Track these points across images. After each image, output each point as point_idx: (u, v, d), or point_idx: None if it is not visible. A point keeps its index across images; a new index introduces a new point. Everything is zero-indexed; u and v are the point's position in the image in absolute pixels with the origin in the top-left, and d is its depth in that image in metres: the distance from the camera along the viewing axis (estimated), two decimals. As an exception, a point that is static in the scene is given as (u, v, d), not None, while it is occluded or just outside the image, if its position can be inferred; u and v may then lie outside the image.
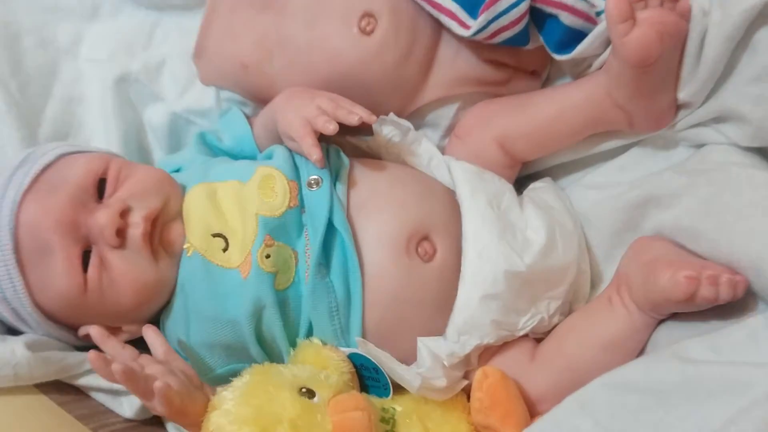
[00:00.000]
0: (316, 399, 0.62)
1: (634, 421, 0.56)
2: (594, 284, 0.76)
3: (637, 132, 0.72)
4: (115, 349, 0.63)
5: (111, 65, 0.88)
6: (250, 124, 0.80)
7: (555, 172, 0.80)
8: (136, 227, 0.66)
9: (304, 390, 0.62)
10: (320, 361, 0.67)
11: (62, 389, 0.69)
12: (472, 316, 0.67)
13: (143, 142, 0.90)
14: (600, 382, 0.60)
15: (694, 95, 0.67)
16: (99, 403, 0.70)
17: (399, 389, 0.69)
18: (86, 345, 0.71)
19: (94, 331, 0.64)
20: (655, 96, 0.68)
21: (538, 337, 0.72)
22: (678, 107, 0.70)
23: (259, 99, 0.82)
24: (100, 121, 0.87)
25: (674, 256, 0.64)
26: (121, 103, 0.88)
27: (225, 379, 0.68)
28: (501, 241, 0.68)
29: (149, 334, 0.66)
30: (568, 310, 0.73)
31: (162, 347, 0.66)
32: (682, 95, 0.68)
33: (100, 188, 0.68)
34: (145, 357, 0.64)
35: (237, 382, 0.63)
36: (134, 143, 0.88)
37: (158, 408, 0.60)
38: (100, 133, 0.87)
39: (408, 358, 0.69)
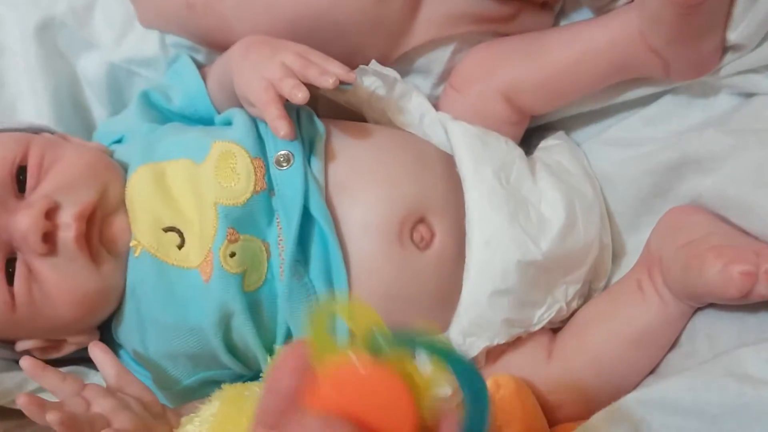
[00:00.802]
0: None
1: None
2: (616, 256, 0.66)
3: (674, 80, 0.60)
4: (53, 383, 0.53)
5: (31, 8, 0.73)
6: (204, 76, 0.66)
7: (569, 125, 0.69)
8: (67, 229, 0.54)
9: None
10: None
11: (4, 414, 0.59)
12: (480, 315, 0.57)
13: (79, 99, 0.76)
14: (635, 397, 0.50)
15: (748, 37, 0.55)
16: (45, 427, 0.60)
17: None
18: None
19: (26, 364, 0.53)
20: (700, 39, 0.55)
21: (554, 327, 0.62)
22: (725, 49, 0.57)
23: (212, 44, 0.69)
24: (24, 76, 0.73)
25: (722, 240, 0.54)
26: (48, 53, 0.73)
27: (194, 390, 0.59)
28: (512, 224, 0.57)
29: (96, 353, 0.56)
30: (587, 290, 0.63)
31: (113, 369, 0.55)
32: (733, 36, 0.56)
33: (20, 179, 0.56)
34: (91, 388, 0.53)
35: (205, 412, 0.53)
36: (68, 101, 0.75)
37: None
38: (26, 92, 0.73)
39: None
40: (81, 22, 0.73)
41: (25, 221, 0.52)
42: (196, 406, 0.56)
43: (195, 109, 0.66)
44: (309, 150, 0.59)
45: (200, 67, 0.69)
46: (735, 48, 0.56)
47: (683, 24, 0.53)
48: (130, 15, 0.72)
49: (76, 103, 0.76)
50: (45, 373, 0.53)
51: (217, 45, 0.68)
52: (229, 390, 0.56)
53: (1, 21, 0.73)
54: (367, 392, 0.35)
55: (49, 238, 0.53)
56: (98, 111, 0.76)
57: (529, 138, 0.69)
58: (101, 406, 0.51)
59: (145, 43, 0.72)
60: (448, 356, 0.36)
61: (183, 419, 0.54)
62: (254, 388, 0.56)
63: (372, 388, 0.35)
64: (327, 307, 0.37)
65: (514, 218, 0.57)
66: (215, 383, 0.57)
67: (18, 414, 0.59)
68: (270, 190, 0.58)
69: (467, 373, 0.35)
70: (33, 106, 0.72)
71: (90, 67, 0.74)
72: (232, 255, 0.56)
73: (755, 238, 0.54)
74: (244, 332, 0.57)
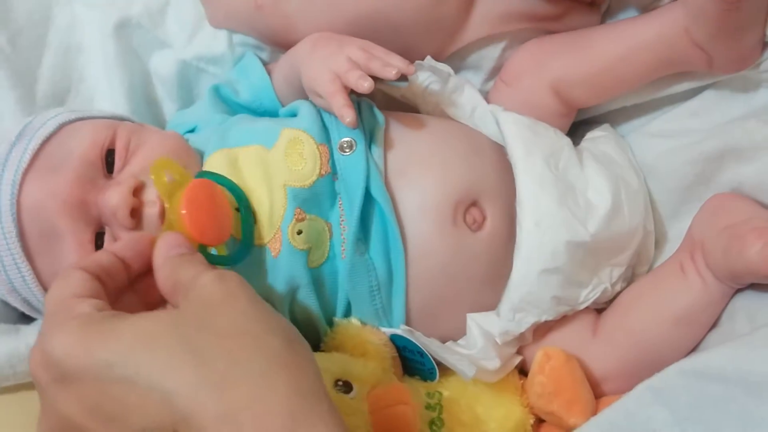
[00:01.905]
0: (353, 393, 0.57)
1: (717, 413, 0.50)
2: (658, 244, 0.69)
3: (716, 73, 0.63)
4: None
5: (109, 9, 0.78)
6: (269, 72, 0.71)
7: (614, 118, 0.72)
8: (152, 206, 0.59)
9: (340, 383, 0.57)
10: (359, 344, 0.61)
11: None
12: (530, 292, 0.61)
13: (151, 94, 0.81)
14: (678, 368, 0.53)
15: (789, 31, 0.58)
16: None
17: (444, 368, 0.63)
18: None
19: None
20: (742, 34, 0.58)
21: (598, 308, 0.66)
22: (765, 44, 0.60)
23: (277, 42, 0.74)
24: (103, 72, 0.79)
25: (762, 222, 0.56)
26: (124, 51, 0.78)
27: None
28: (561, 207, 0.61)
29: None
30: (631, 274, 0.67)
31: None
32: (775, 30, 0.58)
33: (108, 161, 0.61)
34: None
35: None
36: (141, 96, 0.80)
37: None
38: (104, 87, 0.78)
39: (455, 335, 0.63)
40: (155, 23, 0.78)
41: (114, 198, 0.58)
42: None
43: (261, 103, 0.71)
44: (369, 138, 0.64)
45: (265, 64, 0.74)
46: (776, 42, 0.59)
47: (725, 19, 0.56)
48: (200, 16, 0.77)
49: (148, 98, 0.81)
50: None
51: (281, 43, 0.72)
52: None
53: (81, 20, 0.79)
54: (199, 201, 0.55)
55: (135, 214, 0.58)
56: (168, 106, 0.81)
57: (576, 131, 0.73)
58: None
59: (214, 41, 0.77)
60: (218, 179, 0.59)
61: None
62: None
63: (201, 199, 0.56)
64: (156, 165, 0.56)
65: (563, 201, 0.61)
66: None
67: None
68: (334, 174, 0.62)
69: (236, 189, 0.60)
70: (109, 100, 0.77)
71: (162, 65, 0.79)
72: (299, 233, 0.60)
73: (795, 222, 0.57)
74: (308, 304, 0.61)
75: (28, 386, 0.60)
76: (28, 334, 0.61)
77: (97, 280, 0.48)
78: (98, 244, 0.59)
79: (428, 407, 0.60)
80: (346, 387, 0.57)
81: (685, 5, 0.59)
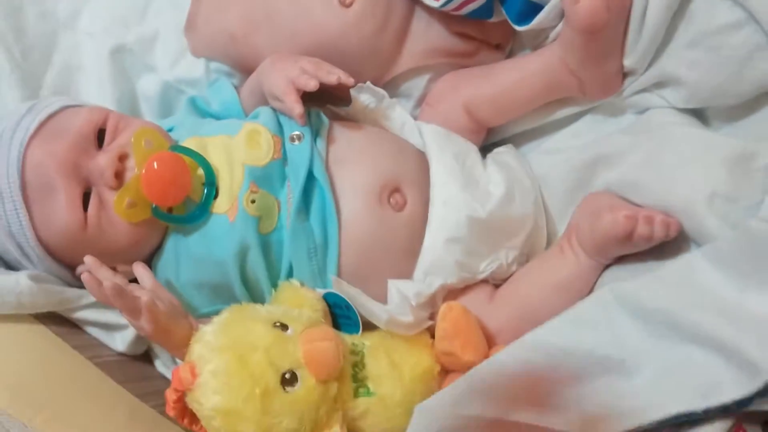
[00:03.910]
0: (289, 332, 0.68)
1: None
2: (550, 240, 0.83)
3: (589, 98, 0.80)
4: (106, 275, 0.69)
5: (107, 37, 0.94)
6: (237, 92, 0.87)
7: (516, 140, 0.88)
8: (132, 171, 0.72)
9: (278, 324, 0.68)
10: (297, 301, 0.73)
11: (59, 321, 0.75)
12: (438, 257, 0.74)
13: (136, 109, 0.96)
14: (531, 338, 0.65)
15: (638, 62, 0.75)
16: (93, 336, 0.76)
17: (369, 327, 0.75)
18: (82, 285, 0.77)
19: (89, 259, 0.70)
20: (603, 62, 0.75)
21: (496, 283, 0.79)
22: (624, 75, 0.77)
23: (246, 69, 0.89)
24: (96, 88, 0.93)
25: (616, 202, 0.72)
26: (116, 72, 0.94)
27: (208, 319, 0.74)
28: (464, 190, 0.76)
29: (138, 269, 0.72)
30: (525, 261, 0.81)
31: (150, 280, 0.72)
32: (628, 62, 0.75)
33: (100, 138, 0.75)
34: (134, 284, 0.70)
35: (216, 318, 0.69)
36: (127, 110, 0.94)
37: (145, 326, 0.66)
38: (96, 100, 0.92)
39: (379, 299, 0.75)
40: (145, 50, 0.94)
41: (103, 160, 0.71)
42: (210, 319, 0.71)
43: (228, 114, 0.85)
44: (316, 134, 0.78)
45: (235, 88, 0.89)
46: (631, 72, 0.76)
47: (589, 48, 0.73)
48: (183, 47, 0.92)
49: (133, 112, 0.94)
50: (101, 267, 0.70)
51: (249, 70, 0.87)
52: (235, 305, 0.72)
53: (82, 45, 0.95)
54: (167, 166, 0.70)
55: (119, 176, 0.71)
56: (149, 119, 0.95)
57: (486, 151, 0.89)
58: (140, 292, 0.67)
59: (193, 67, 0.92)
60: (189, 152, 0.73)
61: (200, 325, 0.70)
62: (256, 306, 0.72)
63: (168, 164, 0.70)
64: (139, 131, 0.71)
65: (465, 187, 0.76)
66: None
67: (70, 323, 0.75)
68: (284, 160, 0.76)
69: (202, 159, 0.73)
70: (100, 109, 0.92)
71: (147, 85, 0.94)
72: (253, 201, 0.74)
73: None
74: (257, 266, 0.74)
75: (14, 318, 0.71)
76: (18, 274, 0.72)
77: None
78: (85, 201, 0.72)
79: (353, 353, 0.72)
80: (283, 327, 0.69)
81: (561, 39, 0.77)
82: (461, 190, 0.76)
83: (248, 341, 0.66)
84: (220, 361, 0.64)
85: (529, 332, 0.64)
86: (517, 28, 0.79)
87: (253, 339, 0.66)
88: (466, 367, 0.69)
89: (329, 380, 0.67)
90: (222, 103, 0.86)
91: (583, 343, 0.62)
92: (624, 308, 0.62)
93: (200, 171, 0.74)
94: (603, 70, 0.76)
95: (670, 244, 0.70)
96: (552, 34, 0.79)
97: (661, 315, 0.61)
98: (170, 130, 0.84)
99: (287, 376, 0.65)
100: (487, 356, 0.71)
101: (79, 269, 0.75)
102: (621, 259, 0.74)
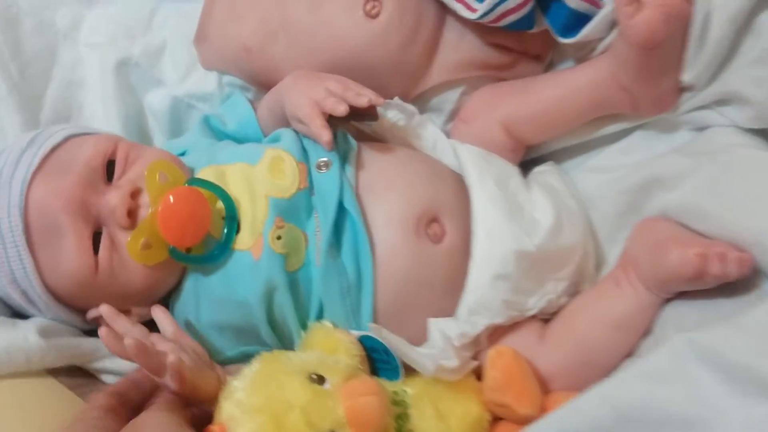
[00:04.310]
0: (326, 385, 0.62)
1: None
2: (597, 267, 0.77)
3: (641, 115, 0.73)
4: (126, 326, 0.63)
5: (110, 49, 0.88)
6: (254, 108, 0.80)
7: (558, 157, 0.81)
8: (147, 208, 0.66)
9: (314, 376, 0.62)
10: (331, 344, 0.67)
11: (72, 373, 0.68)
12: (483, 295, 0.68)
13: (144, 127, 0.89)
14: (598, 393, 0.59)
15: (698, 77, 0.68)
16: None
17: (409, 371, 0.69)
18: (94, 328, 0.71)
19: (105, 309, 0.64)
20: (659, 78, 0.69)
21: (545, 318, 0.73)
22: (681, 90, 0.71)
23: (262, 83, 0.82)
24: (101, 105, 0.87)
25: (682, 235, 0.65)
26: (122, 87, 0.87)
27: (234, 363, 0.68)
28: (510, 220, 0.69)
29: (158, 313, 0.66)
30: (574, 291, 0.74)
31: (171, 326, 0.65)
32: (686, 77, 0.69)
33: (109, 170, 0.68)
34: (155, 335, 0.64)
35: (246, 371, 0.63)
36: (135, 128, 0.88)
37: (170, 384, 0.59)
38: (101, 118, 0.87)
39: (418, 339, 0.69)
40: (152, 63, 0.88)
41: (114, 199, 0.64)
42: (238, 368, 0.65)
43: (245, 133, 0.79)
44: (343, 159, 0.72)
45: (250, 102, 0.83)
46: (689, 88, 0.70)
47: (645, 64, 0.67)
48: (193, 58, 0.86)
49: (141, 130, 0.89)
50: (119, 317, 0.63)
51: (266, 84, 0.81)
52: (266, 354, 0.65)
53: (84, 59, 0.88)
54: (185, 202, 0.65)
55: (131, 215, 0.65)
56: (159, 138, 0.90)
57: (524, 169, 0.82)
58: (164, 346, 0.61)
59: (205, 81, 0.86)
60: (209, 185, 0.68)
61: (228, 377, 0.63)
62: (287, 354, 0.66)
63: (186, 200, 0.65)
64: (153, 164, 0.66)
65: (511, 216, 0.70)
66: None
67: (84, 373, 0.69)
68: (311, 189, 0.70)
69: (222, 193, 0.68)
70: (106, 130, 0.85)
71: (156, 101, 0.88)
72: (279, 238, 0.67)
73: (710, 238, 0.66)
74: (284, 307, 0.68)
75: (22, 375, 0.65)
76: (26, 327, 0.66)
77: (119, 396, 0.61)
78: (95, 242, 0.65)
79: (395, 403, 0.65)
80: (320, 380, 0.62)
81: (613, 53, 0.70)
82: (506, 219, 0.69)
83: (283, 399, 0.60)
84: (254, 424, 0.58)
85: (594, 385, 0.58)
86: (562, 40, 0.72)
87: (288, 396, 0.60)
88: (521, 420, 0.63)
89: (375, 441, 0.61)
90: (238, 122, 0.80)
91: (657, 400, 0.56)
92: (703, 361, 0.56)
93: (219, 204, 0.67)
94: (659, 86, 0.70)
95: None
96: (600, 46, 0.72)
97: (744, 370, 0.54)
98: (183, 154, 0.78)
99: (328, 438, 0.59)
100: (543, 407, 0.65)
101: (91, 314, 0.69)
102: (684, 293, 0.68)
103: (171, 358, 0.58)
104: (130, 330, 0.63)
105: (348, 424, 0.59)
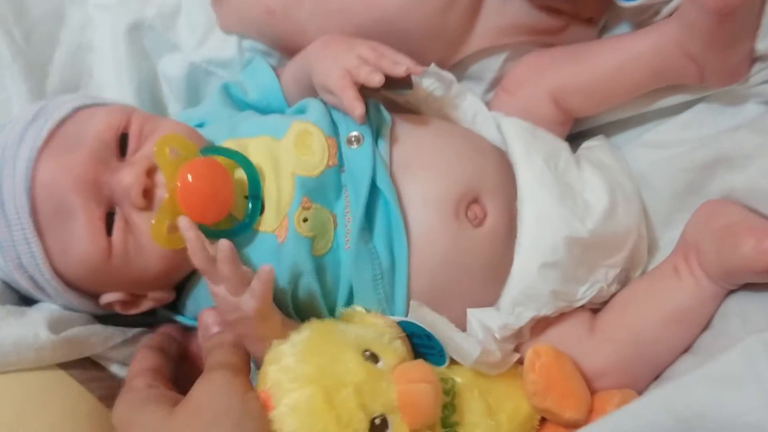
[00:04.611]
0: (380, 364, 0.57)
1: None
2: (650, 251, 0.71)
3: (707, 86, 0.66)
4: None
5: (122, 11, 0.81)
6: (277, 75, 0.74)
7: (608, 130, 0.75)
8: (164, 187, 0.60)
9: (368, 353, 0.57)
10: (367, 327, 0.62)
11: (84, 365, 0.64)
12: (530, 285, 0.62)
13: (158, 95, 0.83)
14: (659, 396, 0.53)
15: (775, 46, 0.61)
16: (122, 378, 0.65)
17: (452, 360, 0.64)
18: (107, 314, 0.66)
19: (183, 221, 0.57)
20: (732, 47, 0.62)
21: (593, 308, 0.67)
22: (754, 60, 0.64)
23: (286, 48, 0.76)
24: (112, 71, 0.81)
25: (754, 222, 0.59)
26: (134, 52, 0.81)
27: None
28: (561, 204, 0.63)
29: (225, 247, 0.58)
30: (625, 278, 0.68)
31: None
32: (762, 46, 0.62)
33: (122, 144, 0.62)
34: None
35: (296, 337, 0.57)
36: (148, 96, 0.82)
37: (248, 303, 0.56)
38: (112, 84, 0.81)
39: (456, 330, 0.64)
40: (167, 26, 0.81)
41: (128, 177, 0.59)
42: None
43: (268, 102, 0.73)
44: (376, 134, 0.66)
45: (273, 68, 0.76)
46: (763, 58, 0.63)
47: (717, 31, 0.60)
48: (210, 21, 0.80)
49: (155, 98, 0.83)
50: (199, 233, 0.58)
51: (290, 49, 0.75)
52: (317, 322, 0.60)
53: (93, 21, 0.82)
54: (203, 178, 0.59)
55: (147, 194, 0.59)
56: (174, 106, 0.83)
57: (572, 143, 0.75)
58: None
59: (224, 46, 0.79)
60: (228, 152, 0.62)
61: (274, 341, 0.58)
62: (340, 325, 0.60)
63: (205, 176, 0.59)
64: (161, 139, 0.60)
65: (562, 199, 0.63)
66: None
67: (96, 366, 0.65)
68: (340, 166, 0.64)
69: (244, 160, 0.62)
70: (118, 98, 0.79)
71: (171, 67, 0.82)
72: (305, 220, 0.62)
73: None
74: (311, 293, 0.62)
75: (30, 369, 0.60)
76: (36, 321, 0.61)
77: (159, 351, 0.62)
78: (108, 223, 0.60)
79: (444, 391, 0.60)
80: (374, 358, 0.57)
81: (680, 19, 0.62)
82: (557, 202, 0.63)
83: (336, 372, 0.55)
84: (302, 394, 0.53)
85: (655, 388, 0.53)
86: (624, 4, 0.64)
87: (341, 370, 0.55)
88: (568, 424, 0.58)
89: (422, 430, 0.56)
90: (260, 90, 0.73)
91: (726, 406, 0.50)
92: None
93: (240, 173, 0.61)
94: (730, 55, 0.62)
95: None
96: (665, 10, 0.65)
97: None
98: (201, 125, 0.72)
99: (377, 421, 0.54)
100: (591, 408, 0.59)
101: (104, 298, 0.64)
102: (748, 284, 0.61)
103: (266, 266, 0.56)
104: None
105: (399, 409, 0.54)
